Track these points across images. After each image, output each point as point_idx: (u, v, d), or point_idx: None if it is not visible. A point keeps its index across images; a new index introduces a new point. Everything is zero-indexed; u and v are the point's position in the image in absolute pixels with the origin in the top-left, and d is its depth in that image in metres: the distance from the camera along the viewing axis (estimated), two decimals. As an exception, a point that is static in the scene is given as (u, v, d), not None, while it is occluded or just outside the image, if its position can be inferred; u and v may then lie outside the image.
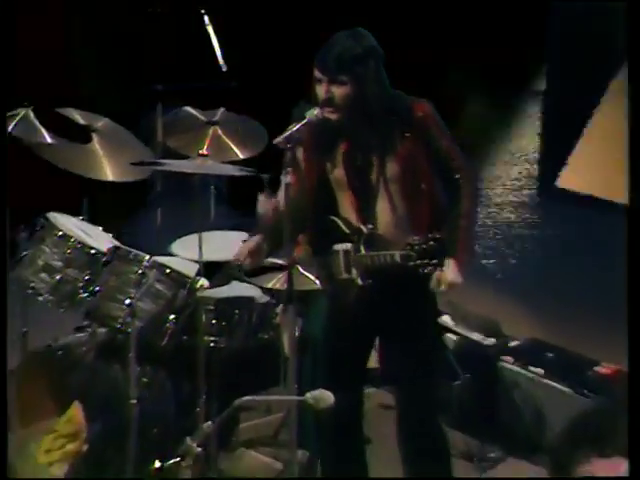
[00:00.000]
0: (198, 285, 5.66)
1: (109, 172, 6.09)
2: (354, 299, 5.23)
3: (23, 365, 6.13)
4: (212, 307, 5.68)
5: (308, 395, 4.32)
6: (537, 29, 11.87)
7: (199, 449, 4.16)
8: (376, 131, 5.15)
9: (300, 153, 5.38)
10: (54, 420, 5.86)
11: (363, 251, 5.14)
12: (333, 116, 5.07)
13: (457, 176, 5.11)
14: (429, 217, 5.13)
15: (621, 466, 2.99)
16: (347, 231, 5.18)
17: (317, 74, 5.05)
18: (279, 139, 5.22)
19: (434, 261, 4.91)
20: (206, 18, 6.13)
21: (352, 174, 5.19)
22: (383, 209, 5.17)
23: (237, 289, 5.82)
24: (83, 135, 6.10)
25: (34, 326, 6.21)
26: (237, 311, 5.77)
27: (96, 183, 6.21)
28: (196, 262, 5.84)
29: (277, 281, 5.61)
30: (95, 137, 6.11)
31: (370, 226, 5.14)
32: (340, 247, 5.16)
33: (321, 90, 5.03)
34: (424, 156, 5.12)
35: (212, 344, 5.69)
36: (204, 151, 6.00)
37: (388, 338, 5.47)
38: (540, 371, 6.36)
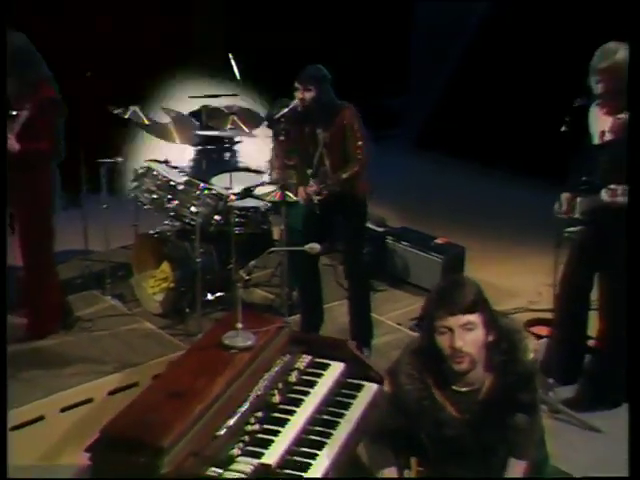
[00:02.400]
0: (229, 199, 5.72)
1: (177, 139, 6.17)
2: (319, 206, 5.30)
3: (136, 242, 6.16)
4: (237, 211, 5.74)
5: (306, 246, 4.28)
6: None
7: (247, 277, 4.40)
8: (322, 118, 5.23)
9: (288, 125, 5.46)
10: (154, 270, 6.02)
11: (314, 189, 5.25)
12: (303, 108, 5.22)
13: (359, 143, 5.19)
14: (342, 164, 5.21)
15: (462, 318, 2.98)
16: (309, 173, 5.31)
17: (297, 85, 5.19)
18: (277, 115, 5.50)
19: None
20: (231, 57, 6.17)
21: (308, 140, 5.30)
22: (321, 159, 5.27)
23: (250, 201, 5.92)
24: (165, 119, 6.16)
25: (142, 221, 6.24)
26: (249, 213, 5.90)
27: (171, 145, 6.21)
28: (227, 188, 5.79)
29: (271, 197, 5.73)
30: (171, 121, 6.17)
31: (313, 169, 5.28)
32: (311, 182, 5.30)
33: (299, 94, 5.18)
34: (343, 134, 5.20)
35: (237, 231, 5.74)
36: (229, 127, 6.21)
37: (338, 224, 5.46)
38: (407, 244, 6.47)
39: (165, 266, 5.97)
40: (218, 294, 5.99)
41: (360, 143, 5.24)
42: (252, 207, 5.95)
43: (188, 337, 5.55)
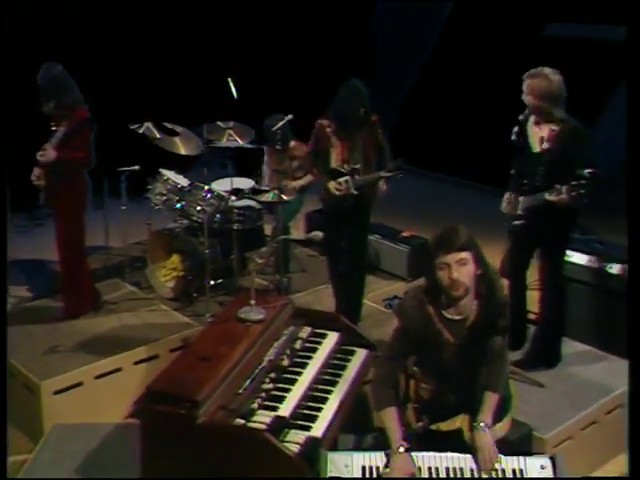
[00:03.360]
0: (229, 200, 5.87)
1: (183, 150, 6.20)
2: (348, 201, 5.20)
3: (150, 238, 6.18)
4: (236, 210, 5.87)
5: (311, 234, 4.46)
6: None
7: (260, 261, 4.46)
8: (361, 126, 5.16)
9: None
10: (165, 261, 6.08)
11: (352, 184, 5.12)
12: (359, 122, 5.10)
13: (383, 145, 5.20)
14: (372, 164, 5.18)
15: (457, 255, 3.27)
16: (343, 171, 5.16)
17: (359, 106, 5.05)
18: (275, 128, 5.65)
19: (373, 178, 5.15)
20: (230, 80, 6.18)
21: (346, 141, 5.19)
22: (356, 158, 5.17)
23: (246, 202, 6.02)
24: (173, 133, 6.21)
25: (154, 220, 6.23)
26: (246, 212, 5.97)
27: (177, 154, 6.21)
28: (227, 190, 5.92)
29: (266, 198, 5.82)
30: (178, 135, 6.21)
31: (352, 166, 5.16)
32: (343, 178, 5.14)
33: (362, 112, 5.06)
34: (372, 138, 5.16)
35: (236, 227, 5.88)
36: (225, 139, 6.30)
37: (351, 221, 5.34)
38: (378, 236, 6.50)
39: (175, 258, 6.06)
40: (219, 281, 6.03)
41: (384, 147, 5.29)
42: (248, 207, 6.04)
43: (197, 317, 5.63)
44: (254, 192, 6.08)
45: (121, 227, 6.29)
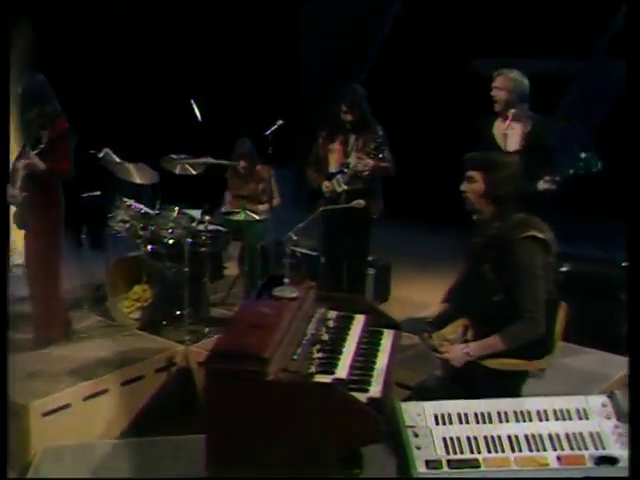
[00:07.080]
0: (204, 219, 5.91)
1: (137, 178, 6.22)
2: (340, 200, 5.47)
3: (110, 267, 6.03)
4: (207, 233, 5.89)
5: (354, 202, 4.65)
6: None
7: (295, 237, 4.36)
8: (357, 129, 5.59)
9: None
10: (127, 293, 6.05)
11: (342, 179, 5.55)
12: (350, 125, 5.58)
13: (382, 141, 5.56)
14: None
15: (469, 172, 3.71)
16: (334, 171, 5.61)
17: (344, 108, 5.52)
18: (268, 132, 5.82)
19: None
20: (193, 103, 6.26)
21: (342, 145, 5.63)
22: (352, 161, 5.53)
23: (214, 226, 6.06)
24: (130, 160, 6.19)
25: (113, 249, 6.14)
26: (214, 236, 6.00)
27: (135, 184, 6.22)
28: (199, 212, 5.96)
29: (237, 217, 6.16)
30: (135, 165, 6.22)
31: (345, 169, 5.57)
32: (337, 176, 5.56)
33: (348, 115, 5.54)
34: (371, 141, 5.54)
35: (205, 249, 5.88)
36: (178, 170, 6.34)
37: (348, 225, 5.60)
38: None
39: (137, 288, 6.02)
40: (188, 310, 5.81)
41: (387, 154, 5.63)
42: (218, 230, 6.11)
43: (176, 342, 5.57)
44: (225, 214, 6.22)
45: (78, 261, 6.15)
